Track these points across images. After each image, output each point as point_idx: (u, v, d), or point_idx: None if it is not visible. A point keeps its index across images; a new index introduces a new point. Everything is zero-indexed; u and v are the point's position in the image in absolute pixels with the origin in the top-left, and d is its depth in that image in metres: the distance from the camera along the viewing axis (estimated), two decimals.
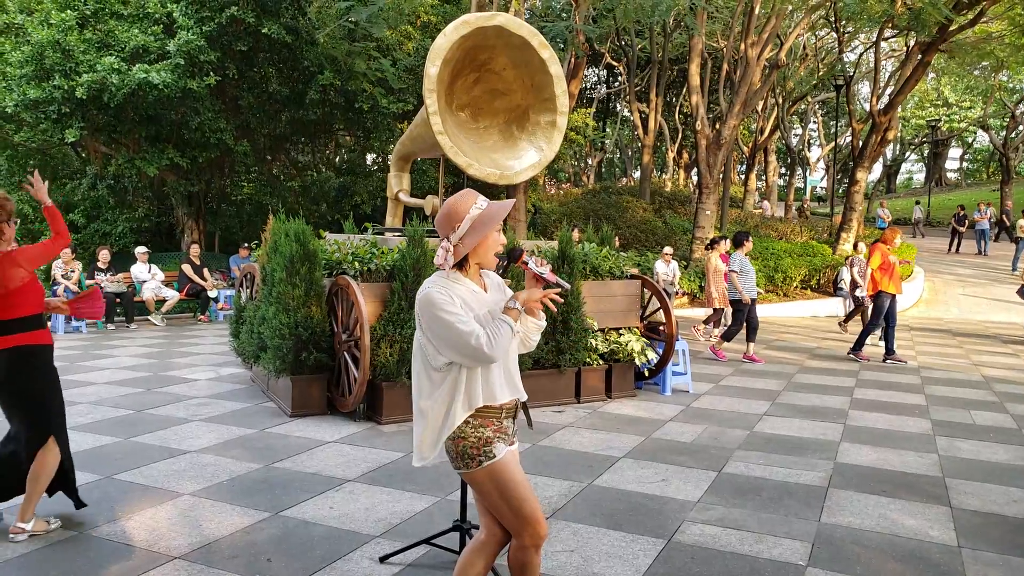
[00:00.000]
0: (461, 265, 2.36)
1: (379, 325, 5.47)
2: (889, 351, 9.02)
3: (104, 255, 11.46)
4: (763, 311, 14.29)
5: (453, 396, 2.30)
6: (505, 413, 2.38)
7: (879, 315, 8.88)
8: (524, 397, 2.46)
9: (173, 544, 3.36)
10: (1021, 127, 31.78)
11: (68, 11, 11.76)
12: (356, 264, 5.71)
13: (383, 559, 3.23)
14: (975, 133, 42.13)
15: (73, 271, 10.96)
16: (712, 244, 9.91)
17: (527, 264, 2.39)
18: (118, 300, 11.09)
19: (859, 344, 9.18)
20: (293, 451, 4.82)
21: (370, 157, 19.67)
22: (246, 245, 12.96)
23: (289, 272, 5.63)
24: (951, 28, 14.85)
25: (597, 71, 32.79)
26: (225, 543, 3.39)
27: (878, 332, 9.24)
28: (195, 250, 12.55)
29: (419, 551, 3.31)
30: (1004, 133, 30.72)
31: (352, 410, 5.59)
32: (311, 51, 13.82)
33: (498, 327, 2.24)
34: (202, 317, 12.17)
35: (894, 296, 8.80)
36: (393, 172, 7.77)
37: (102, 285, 10.75)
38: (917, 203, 30.08)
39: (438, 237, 6.32)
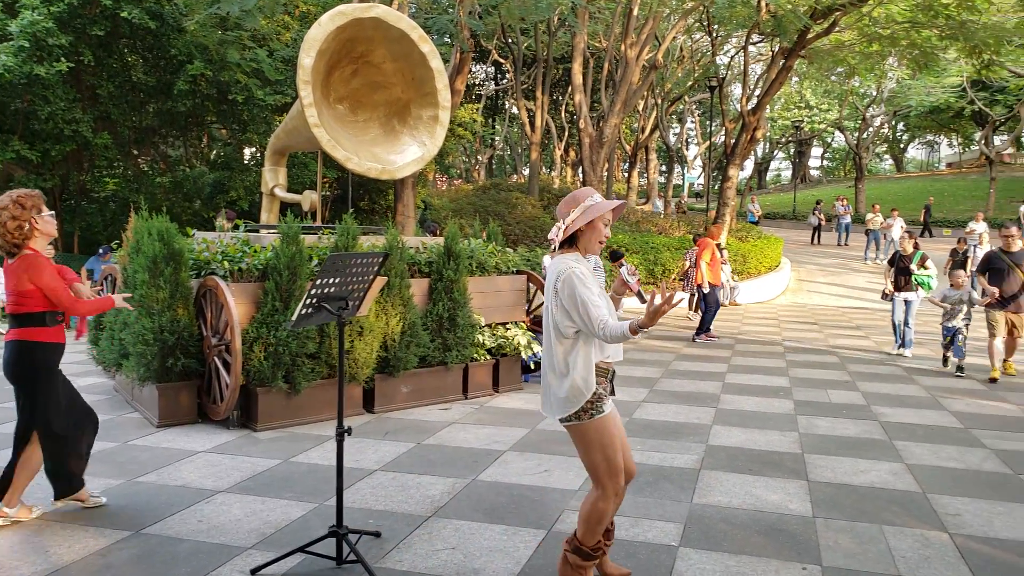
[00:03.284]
0: (572, 245, 2.78)
1: (252, 327, 5.22)
2: (707, 331, 10.34)
3: None
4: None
5: (588, 354, 2.71)
6: (610, 374, 2.80)
7: (715, 301, 10.37)
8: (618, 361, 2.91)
9: (14, 574, 3.05)
10: (871, 129, 34.79)
11: None
12: (226, 264, 5.42)
13: (254, 571, 3.08)
14: (833, 134, 45.72)
15: None
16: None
17: (622, 267, 2.89)
18: None
19: (705, 327, 10.36)
20: (159, 464, 4.51)
21: (248, 151, 18.74)
22: (105, 247, 12.03)
23: (152, 273, 5.26)
24: (809, 35, 15.98)
25: (485, 67, 32.91)
26: (76, 568, 3.11)
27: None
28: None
29: (294, 560, 3.18)
30: (857, 134, 33.51)
31: (225, 418, 5.30)
32: (179, 39, 12.98)
33: (616, 328, 2.59)
34: None
35: (715, 285, 10.44)
36: (268, 167, 7.43)
37: None
38: (753, 200, 33.02)
39: (315, 234, 6.11)
